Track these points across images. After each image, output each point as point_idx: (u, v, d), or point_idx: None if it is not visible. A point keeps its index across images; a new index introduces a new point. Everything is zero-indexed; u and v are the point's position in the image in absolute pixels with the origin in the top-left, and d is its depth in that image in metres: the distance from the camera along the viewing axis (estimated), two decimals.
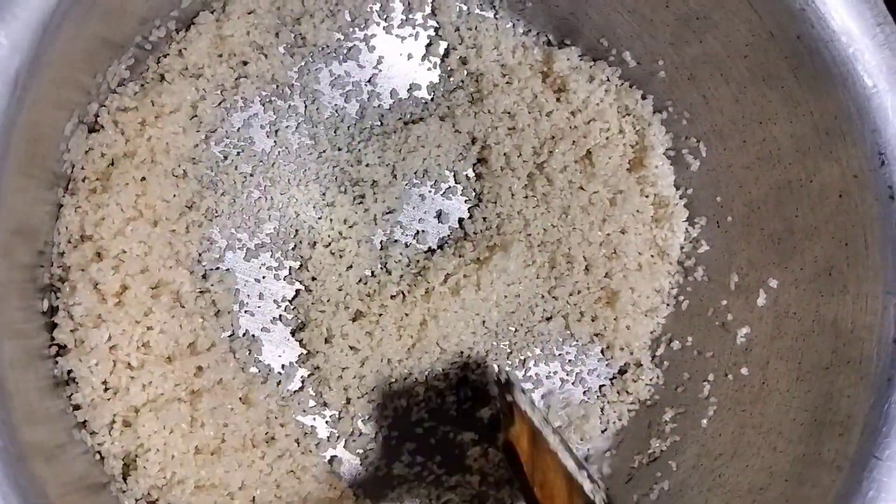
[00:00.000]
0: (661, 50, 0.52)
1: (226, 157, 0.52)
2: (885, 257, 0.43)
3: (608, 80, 0.55)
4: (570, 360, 0.56)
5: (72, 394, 0.43)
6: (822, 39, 0.42)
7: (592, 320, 0.55)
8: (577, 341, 0.56)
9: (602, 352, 0.57)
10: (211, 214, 0.51)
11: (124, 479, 0.45)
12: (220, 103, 0.51)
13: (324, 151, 0.53)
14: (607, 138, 0.55)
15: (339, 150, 0.53)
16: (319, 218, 0.53)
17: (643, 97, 0.55)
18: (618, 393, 0.57)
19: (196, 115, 0.50)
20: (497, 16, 0.56)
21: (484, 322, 0.53)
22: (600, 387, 0.57)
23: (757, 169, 0.50)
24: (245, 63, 0.51)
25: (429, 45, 0.55)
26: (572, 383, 0.56)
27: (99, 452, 0.44)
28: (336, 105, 0.54)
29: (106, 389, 0.44)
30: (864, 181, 0.44)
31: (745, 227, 0.52)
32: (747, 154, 0.51)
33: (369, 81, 0.55)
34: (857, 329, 0.44)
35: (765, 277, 0.50)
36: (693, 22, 0.48)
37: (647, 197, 0.56)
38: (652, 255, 0.56)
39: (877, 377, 0.43)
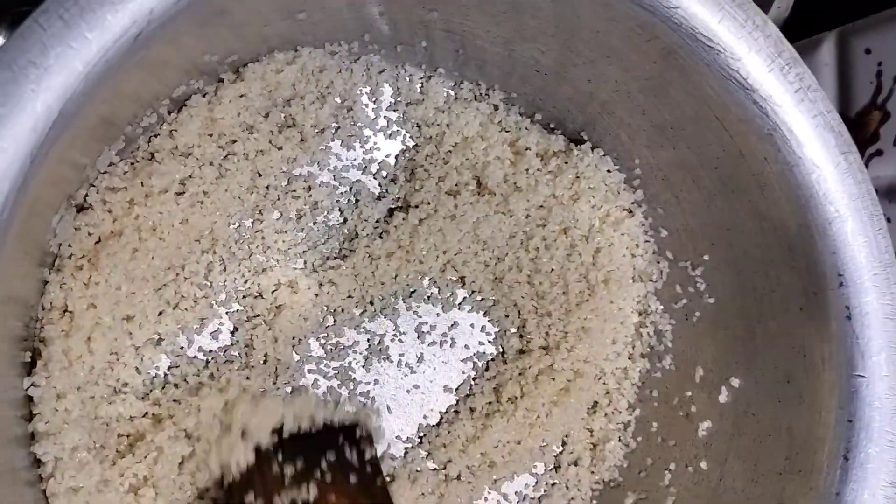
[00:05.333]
0: (638, 150, 0.53)
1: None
2: (839, 374, 0.44)
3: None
4: None
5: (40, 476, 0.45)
6: (787, 163, 0.43)
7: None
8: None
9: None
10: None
11: None
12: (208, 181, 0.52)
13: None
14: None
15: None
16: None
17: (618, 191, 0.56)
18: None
19: (184, 192, 0.51)
20: (483, 103, 0.57)
21: None
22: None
23: (724, 271, 0.52)
24: (234, 141, 0.52)
25: (417, 125, 0.57)
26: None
27: None
28: (322, 182, 0.55)
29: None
30: (824, 299, 0.45)
31: (710, 324, 0.54)
32: (715, 255, 0.52)
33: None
34: (810, 440, 0.45)
35: (727, 375, 0.52)
36: (668, 131, 0.49)
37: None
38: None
39: (825, 490, 0.43)
